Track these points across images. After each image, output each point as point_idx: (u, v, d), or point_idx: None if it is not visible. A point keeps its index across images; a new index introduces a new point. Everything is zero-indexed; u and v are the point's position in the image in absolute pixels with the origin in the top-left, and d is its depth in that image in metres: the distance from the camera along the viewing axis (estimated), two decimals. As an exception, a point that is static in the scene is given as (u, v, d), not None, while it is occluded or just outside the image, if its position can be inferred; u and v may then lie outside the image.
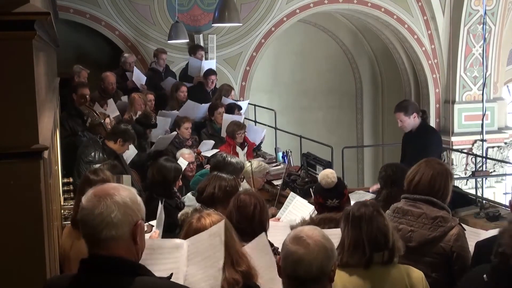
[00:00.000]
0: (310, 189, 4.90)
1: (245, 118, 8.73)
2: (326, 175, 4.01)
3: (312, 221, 3.67)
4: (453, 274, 3.36)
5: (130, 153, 6.39)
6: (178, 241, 2.79)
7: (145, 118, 7.39)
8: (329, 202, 3.92)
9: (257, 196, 3.51)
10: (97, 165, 5.61)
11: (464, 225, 3.69)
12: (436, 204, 3.51)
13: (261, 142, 8.40)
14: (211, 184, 4.03)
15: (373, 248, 2.86)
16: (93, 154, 5.85)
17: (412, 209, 3.52)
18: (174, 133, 7.19)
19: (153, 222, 4.00)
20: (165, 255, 2.32)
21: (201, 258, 2.62)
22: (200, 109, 8.24)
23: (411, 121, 5.88)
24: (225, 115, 7.69)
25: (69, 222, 3.89)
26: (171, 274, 2.42)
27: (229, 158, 5.24)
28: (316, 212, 4.28)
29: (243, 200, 3.41)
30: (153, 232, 3.77)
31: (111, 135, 5.98)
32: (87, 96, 7.06)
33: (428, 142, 5.87)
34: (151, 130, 7.49)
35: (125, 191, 2.06)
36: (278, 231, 3.86)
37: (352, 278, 2.84)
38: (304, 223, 3.67)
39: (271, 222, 3.99)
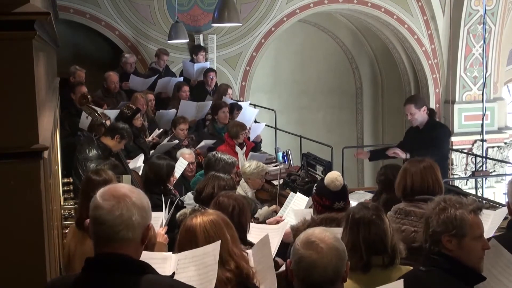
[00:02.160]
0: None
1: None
2: (335, 179, 4.02)
3: (313, 221, 3.66)
4: None
5: (138, 164, 6.21)
6: (166, 254, 2.87)
7: (121, 115, 7.14)
8: (336, 204, 3.94)
9: (237, 198, 3.53)
10: (93, 162, 5.65)
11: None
12: None
13: (261, 142, 8.39)
14: (210, 184, 4.05)
15: (370, 252, 2.85)
16: (87, 150, 5.81)
17: (414, 210, 3.54)
18: (176, 141, 7.10)
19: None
20: (153, 265, 2.34)
21: (192, 274, 2.63)
22: (201, 108, 8.25)
23: (421, 114, 5.95)
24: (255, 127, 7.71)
25: (70, 222, 3.89)
26: (173, 273, 2.44)
27: (219, 155, 5.29)
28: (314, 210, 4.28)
29: (221, 202, 3.44)
30: (160, 229, 3.77)
31: (110, 131, 5.94)
32: (89, 96, 7.03)
33: (436, 135, 5.90)
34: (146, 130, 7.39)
35: (140, 193, 2.09)
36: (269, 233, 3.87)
37: (351, 282, 2.83)
38: (305, 223, 3.66)
39: (256, 225, 4.01)
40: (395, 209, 3.63)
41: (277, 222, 4.56)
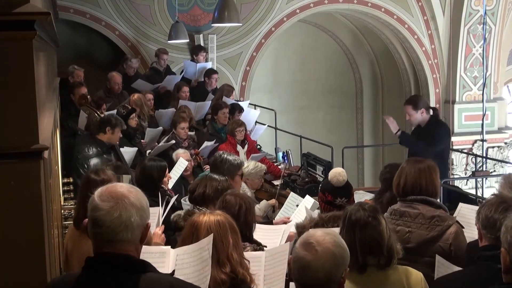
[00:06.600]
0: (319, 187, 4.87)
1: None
2: (338, 173, 4.01)
3: (321, 219, 3.63)
4: None
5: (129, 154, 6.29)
6: (164, 248, 2.87)
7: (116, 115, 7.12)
8: (338, 200, 3.93)
9: (243, 196, 3.53)
10: (94, 160, 5.67)
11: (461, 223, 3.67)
12: (433, 204, 3.52)
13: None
14: (202, 183, 4.04)
15: (366, 254, 2.84)
16: (86, 149, 5.84)
17: (408, 210, 3.52)
18: (172, 141, 7.07)
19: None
20: (151, 259, 2.35)
21: (191, 271, 2.64)
22: (200, 109, 8.25)
23: (419, 116, 5.98)
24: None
25: (70, 222, 3.89)
26: (173, 271, 2.44)
27: (225, 156, 5.19)
28: (319, 210, 4.27)
29: (228, 200, 3.45)
30: (157, 228, 3.77)
31: (99, 127, 5.98)
32: (88, 97, 7.03)
33: (434, 134, 5.92)
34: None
35: (138, 193, 2.07)
36: (269, 234, 3.87)
37: (347, 282, 2.82)
38: (312, 221, 3.65)
39: (261, 226, 4.01)
40: (390, 210, 3.62)
41: (284, 223, 4.55)
